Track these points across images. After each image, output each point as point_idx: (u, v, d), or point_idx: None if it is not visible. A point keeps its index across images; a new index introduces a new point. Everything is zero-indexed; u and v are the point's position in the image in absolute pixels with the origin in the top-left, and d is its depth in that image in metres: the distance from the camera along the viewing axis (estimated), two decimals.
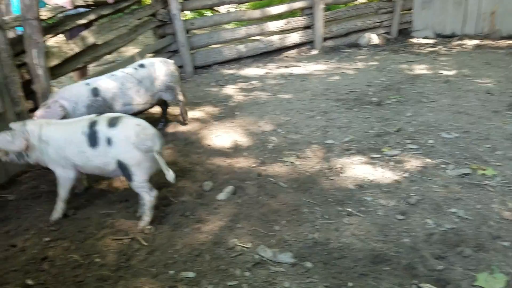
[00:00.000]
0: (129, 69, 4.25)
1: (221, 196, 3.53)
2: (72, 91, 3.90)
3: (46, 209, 3.46)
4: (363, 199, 3.40)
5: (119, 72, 4.19)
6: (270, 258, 2.82)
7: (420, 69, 6.53)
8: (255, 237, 3.04)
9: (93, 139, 3.03)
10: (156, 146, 3.05)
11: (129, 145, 2.99)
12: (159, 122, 4.90)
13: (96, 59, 5.17)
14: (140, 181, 3.13)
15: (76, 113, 3.81)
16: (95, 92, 3.92)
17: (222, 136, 4.60)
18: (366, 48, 8.02)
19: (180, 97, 4.75)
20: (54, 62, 4.34)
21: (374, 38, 8.37)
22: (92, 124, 3.06)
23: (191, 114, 5.20)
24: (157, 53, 6.45)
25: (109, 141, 3.01)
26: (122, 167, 3.07)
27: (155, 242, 3.05)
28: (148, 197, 3.17)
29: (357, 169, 3.81)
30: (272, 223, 3.18)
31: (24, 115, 3.79)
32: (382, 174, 3.71)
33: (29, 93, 4.07)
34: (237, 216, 3.28)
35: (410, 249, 2.84)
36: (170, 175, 3.07)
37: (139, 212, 3.31)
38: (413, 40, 8.45)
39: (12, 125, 3.14)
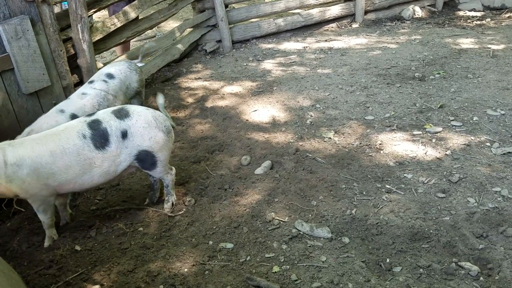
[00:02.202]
0: (99, 84, 3.56)
1: (259, 170, 3.57)
2: (49, 124, 3.13)
3: None
4: (403, 176, 3.35)
5: (90, 90, 3.50)
6: (307, 232, 2.85)
7: (466, 43, 6.25)
8: (292, 211, 3.08)
9: (102, 139, 2.71)
10: (171, 125, 3.00)
11: (152, 130, 2.83)
12: None
13: (138, 34, 5.23)
14: (163, 165, 3.00)
15: None
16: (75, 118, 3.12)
17: (260, 111, 4.61)
18: (409, 22, 7.72)
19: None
20: (98, 36, 4.44)
21: (418, 11, 8.04)
22: (94, 124, 2.74)
23: (230, 89, 5.22)
24: (196, 28, 6.47)
25: (124, 134, 2.76)
26: (144, 158, 2.85)
27: (195, 213, 3.14)
28: (170, 176, 3.11)
29: (398, 146, 3.74)
30: (310, 198, 3.20)
31: (70, 89, 3.92)
32: (424, 151, 3.63)
33: (74, 68, 4.19)
34: (274, 190, 3.31)
35: (450, 227, 2.80)
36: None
37: (150, 198, 3.28)
38: (460, 13, 8.06)
39: None
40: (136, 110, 2.87)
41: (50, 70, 3.71)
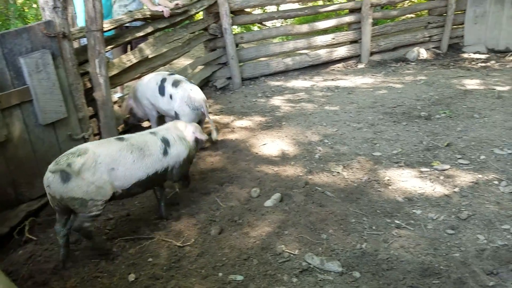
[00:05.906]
0: None
1: (269, 203, 3.60)
2: None
3: None
4: (412, 212, 3.37)
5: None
6: (318, 266, 2.85)
7: (471, 84, 6.38)
8: (303, 244, 3.09)
9: (162, 90, 4.44)
10: (202, 107, 4.31)
11: (182, 103, 4.28)
12: None
13: (152, 70, 5.39)
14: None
15: None
16: None
17: (269, 144, 4.69)
18: (414, 63, 7.92)
19: None
20: (114, 71, 4.59)
21: (423, 52, 8.25)
22: (163, 81, 4.48)
23: (239, 123, 5.32)
24: (207, 65, 6.66)
25: (171, 97, 4.36)
26: (176, 115, 4.31)
27: (205, 244, 3.16)
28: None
29: (406, 182, 3.78)
30: (320, 231, 3.21)
31: (85, 121, 4.02)
32: (432, 188, 3.67)
33: (90, 101, 4.31)
34: (284, 223, 3.33)
35: (460, 264, 2.80)
36: (214, 135, 4.34)
37: None
38: (464, 55, 8.26)
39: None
40: (184, 86, 4.46)
41: (67, 102, 3.82)
